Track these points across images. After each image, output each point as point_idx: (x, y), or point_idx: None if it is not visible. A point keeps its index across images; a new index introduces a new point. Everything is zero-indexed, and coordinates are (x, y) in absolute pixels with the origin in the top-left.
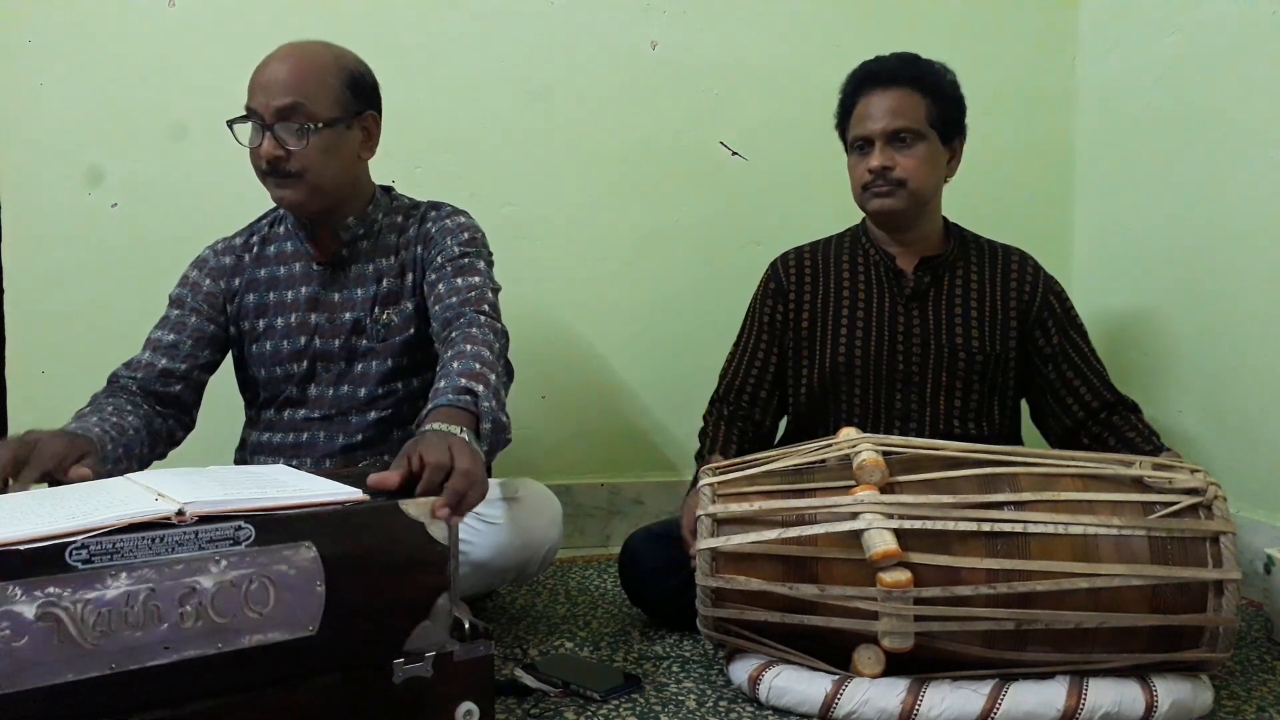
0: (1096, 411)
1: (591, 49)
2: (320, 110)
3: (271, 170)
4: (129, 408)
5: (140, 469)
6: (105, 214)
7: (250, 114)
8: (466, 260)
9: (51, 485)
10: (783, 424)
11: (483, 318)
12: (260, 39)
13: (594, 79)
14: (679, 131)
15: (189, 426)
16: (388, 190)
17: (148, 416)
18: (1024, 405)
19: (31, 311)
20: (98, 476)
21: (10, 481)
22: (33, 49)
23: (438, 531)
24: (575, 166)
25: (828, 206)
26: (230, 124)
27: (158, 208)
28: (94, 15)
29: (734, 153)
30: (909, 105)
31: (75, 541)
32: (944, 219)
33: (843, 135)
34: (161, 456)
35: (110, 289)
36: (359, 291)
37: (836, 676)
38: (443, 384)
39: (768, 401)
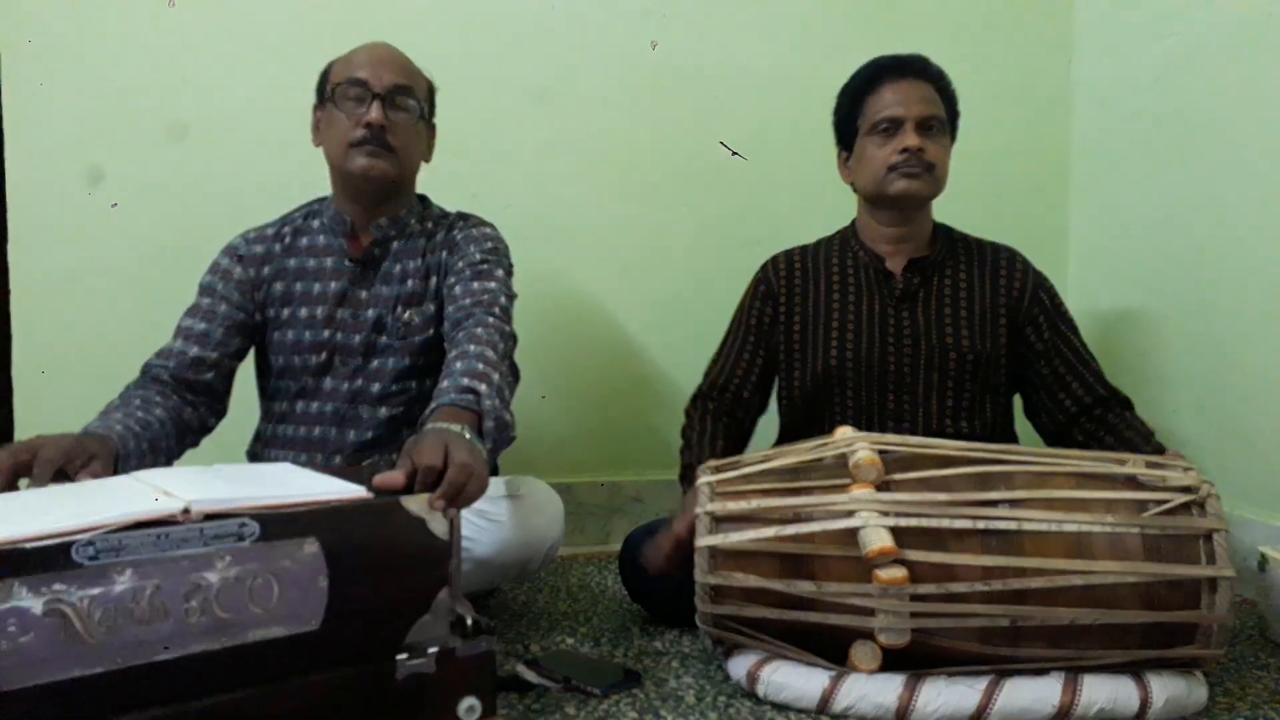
0: (1090, 407)
1: (592, 50)
2: (421, 98)
3: (371, 139)
4: (158, 399)
5: (169, 461)
6: (105, 214)
7: (355, 84)
8: (485, 266)
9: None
10: (772, 425)
11: (491, 319)
12: (260, 39)
13: (594, 80)
14: (679, 132)
15: (221, 414)
16: (423, 199)
17: (177, 408)
18: (1017, 401)
19: (32, 311)
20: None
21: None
22: (33, 49)
23: (438, 527)
24: (576, 167)
25: (827, 207)
26: (334, 88)
27: (158, 208)
28: (94, 15)
29: (734, 153)
30: (934, 97)
31: (81, 539)
32: (931, 220)
33: (845, 128)
34: (194, 445)
35: (111, 288)
36: (384, 290)
37: (834, 672)
38: (446, 384)
39: (750, 402)
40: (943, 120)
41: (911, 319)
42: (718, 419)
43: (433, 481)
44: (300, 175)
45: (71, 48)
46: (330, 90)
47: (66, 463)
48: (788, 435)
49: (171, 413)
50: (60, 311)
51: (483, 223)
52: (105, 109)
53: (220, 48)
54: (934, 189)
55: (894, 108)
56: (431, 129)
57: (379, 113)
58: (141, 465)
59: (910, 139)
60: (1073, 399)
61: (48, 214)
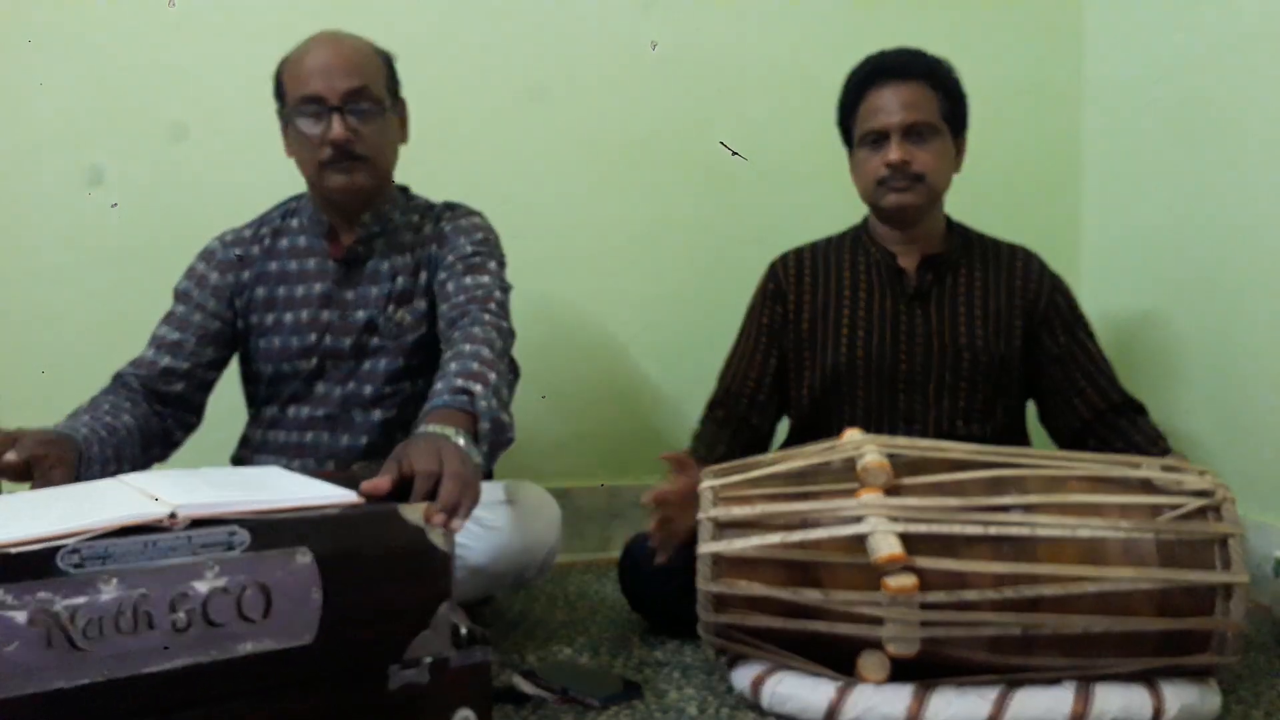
0: (1104, 413)
1: (591, 47)
2: (379, 92)
3: (340, 155)
4: (126, 405)
5: (133, 470)
6: (105, 214)
7: (309, 101)
8: (478, 259)
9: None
10: (783, 427)
11: (487, 316)
12: (260, 39)
13: (593, 77)
14: (678, 130)
15: (191, 427)
16: (404, 190)
17: (145, 417)
18: (1029, 405)
19: (31, 311)
20: (77, 479)
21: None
22: (33, 49)
23: (437, 537)
24: (574, 165)
25: (828, 205)
26: (291, 115)
27: (158, 208)
28: (94, 15)
29: (734, 153)
30: (923, 99)
31: (66, 545)
32: (946, 216)
33: (845, 130)
34: (161, 458)
35: (109, 289)
36: (373, 289)
37: (840, 683)
38: (440, 385)
39: (766, 406)
40: (932, 124)
41: (924, 317)
42: (725, 427)
43: (430, 488)
44: (299, 174)
45: (71, 47)
46: (287, 109)
47: (40, 457)
48: (797, 436)
49: (140, 421)
50: (56, 311)
51: (471, 212)
52: (105, 109)
53: (220, 48)
54: (926, 198)
55: (878, 117)
56: (399, 105)
57: (340, 129)
58: (105, 471)
59: (894, 153)
60: (1086, 405)
61: (44, 213)
